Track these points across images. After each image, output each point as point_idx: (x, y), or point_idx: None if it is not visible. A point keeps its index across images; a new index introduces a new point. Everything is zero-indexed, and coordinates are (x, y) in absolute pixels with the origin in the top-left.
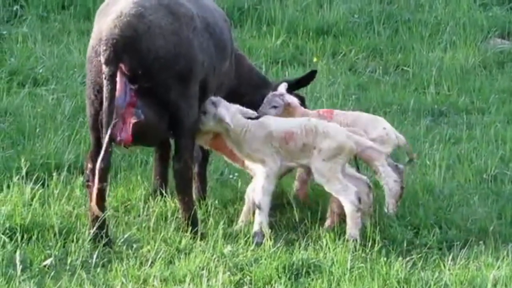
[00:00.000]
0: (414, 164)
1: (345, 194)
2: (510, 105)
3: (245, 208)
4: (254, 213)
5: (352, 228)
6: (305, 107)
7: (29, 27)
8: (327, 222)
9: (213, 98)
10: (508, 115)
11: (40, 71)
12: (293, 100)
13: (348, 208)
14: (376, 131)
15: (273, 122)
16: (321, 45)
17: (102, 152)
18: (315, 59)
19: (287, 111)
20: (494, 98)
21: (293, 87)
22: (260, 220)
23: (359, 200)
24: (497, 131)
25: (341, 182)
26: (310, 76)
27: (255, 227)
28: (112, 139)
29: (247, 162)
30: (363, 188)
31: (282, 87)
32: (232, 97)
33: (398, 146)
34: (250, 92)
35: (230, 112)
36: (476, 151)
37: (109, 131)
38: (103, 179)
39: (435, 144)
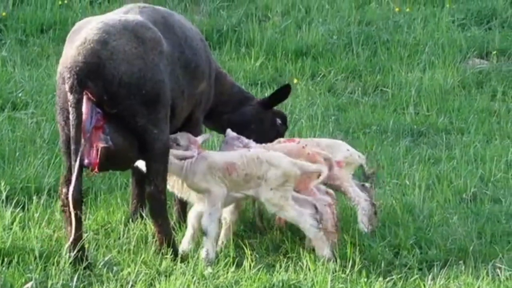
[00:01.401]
0: (373, 180)
1: (303, 219)
2: (489, 125)
3: (223, 230)
4: (233, 232)
5: (322, 249)
6: (287, 126)
7: (8, 51)
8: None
9: None
10: (487, 135)
11: (20, 95)
12: (250, 141)
13: (311, 232)
14: (340, 154)
15: (212, 154)
16: (300, 67)
17: (73, 181)
18: (295, 81)
19: None
20: (473, 118)
21: (269, 105)
22: (207, 248)
23: (317, 220)
24: (476, 151)
25: (294, 208)
26: (284, 91)
27: (203, 254)
28: (81, 164)
29: (194, 193)
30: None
31: (230, 132)
32: (211, 116)
33: (361, 165)
34: (229, 110)
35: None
36: (455, 171)
37: (78, 160)
38: (77, 207)
39: (414, 165)
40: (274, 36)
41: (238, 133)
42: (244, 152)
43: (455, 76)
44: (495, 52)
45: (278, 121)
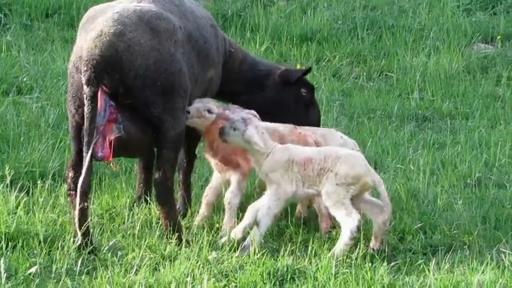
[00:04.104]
0: None
1: (347, 221)
2: (493, 110)
3: (227, 214)
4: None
5: (339, 250)
6: (313, 88)
7: (13, 36)
8: (323, 225)
9: (244, 115)
10: (492, 120)
11: (24, 79)
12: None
13: (345, 235)
14: (335, 143)
15: (297, 148)
16: (305, 52)
17: (83, 174)
18: (298, 66)
19: None
20: (478, 103)
21: (291, 81)
22: (254, 238)
23: (358, 229)
24: (481, 136)
25: (347, 207)
26: (305, 72)
27: (247, 240)
28: (93, 156)
29: (265, 181)
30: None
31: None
32: (226, 95)
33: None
34: (243, 90)
35: (259, 133)
36: (460, 156)
37: (89, 152)
38: (83, 200)
39: (419, 149)
40: (279, 21)
41: (267, 115)
42: (325, 149)
43: (460, 61)
44: (500, 37)
45: (303, 90)
